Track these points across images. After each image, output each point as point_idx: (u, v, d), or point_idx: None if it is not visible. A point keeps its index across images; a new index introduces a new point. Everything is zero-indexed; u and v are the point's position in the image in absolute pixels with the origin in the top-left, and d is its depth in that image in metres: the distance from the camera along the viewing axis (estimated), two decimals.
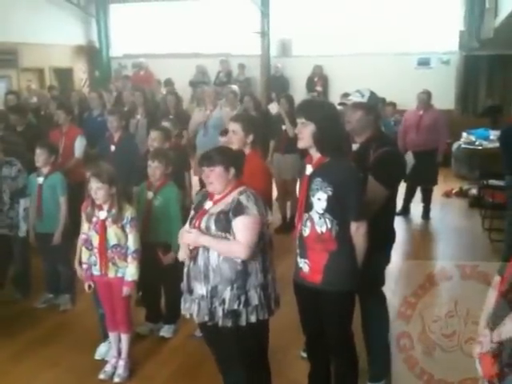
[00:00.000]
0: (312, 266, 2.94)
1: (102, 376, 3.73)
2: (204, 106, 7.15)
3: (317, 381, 3.29)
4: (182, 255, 2.95)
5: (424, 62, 11.51)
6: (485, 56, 10.75)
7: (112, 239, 3.57)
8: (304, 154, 3.16)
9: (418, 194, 7.56)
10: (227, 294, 2.82)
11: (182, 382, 3.75)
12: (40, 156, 4.54)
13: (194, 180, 5.93)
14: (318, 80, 11.62)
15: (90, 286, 3.70)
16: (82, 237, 3.70)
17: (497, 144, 8.43)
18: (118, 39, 13.71)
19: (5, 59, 10.86)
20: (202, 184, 5.49)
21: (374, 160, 3.17)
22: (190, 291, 2.93)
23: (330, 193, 2.82)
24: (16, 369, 3.89)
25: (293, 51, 12.50)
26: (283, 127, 6.65)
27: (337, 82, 11.31)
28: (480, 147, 9.26)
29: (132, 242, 3.60)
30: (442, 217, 7.66)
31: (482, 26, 8.89)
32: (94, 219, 3.58)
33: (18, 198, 4.66)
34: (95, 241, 3.58)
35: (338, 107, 4.25)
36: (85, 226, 3.67)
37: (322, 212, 2.85)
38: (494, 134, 9.29)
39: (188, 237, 2.88)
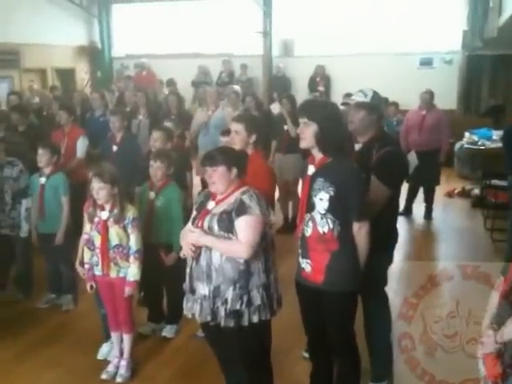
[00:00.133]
0: (314, 266, 2.93)
1: (104, 376, 3.73)
2: (206, 106, 7.15)
3: (319, 381, 3.29)
4: (185, 252, 2.94)
5: (426, 62, 11.49)
6: (488, 56, 10.73)
7: (114, 239, 3.57)
8: (306, 154, 3.15)
9: (421, 194, 7.55)
10: (230, 293, 2.81)
11: (184, 382, 3.74)
12: (42, 156, 4.54)
13: (196, 180, 5.93)
14: (320, 80, 11.62)
15: (92, 287, 3.70)
16: (84, 237, 3.70)
17: (499, 144, 8.40)
18: (120, 39, 13.73)
19: (7, 60, 10.88)
20: (204, 184, 5.50)
21: (377, 160, 3.16)
22: (193, 291, 2.93)
23: (332, 193, 2.81)
24: (18, 369, 3.89)
25: (295, 51, 12.50)
26: (285, 127, 6.65)
27: (339, 82, 11.30)
28: (483, 147, 9.24)
29: (134, 242, 3.60)
30: (445, 217, 7.66)
31: (485, 26, 8.86)
32: (96, 219, 3.58)
33: (19, 198, 4.66)
34: (97, 241, 3.58)
35: (341, 107, 4.24)
36: (87, 227, 3.67)
37: (323, 212, 2.85)
38: (496, 134, 9.27)
39: (191, 236, 2.87)
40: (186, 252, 2.91)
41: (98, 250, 3.59)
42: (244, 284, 2.81)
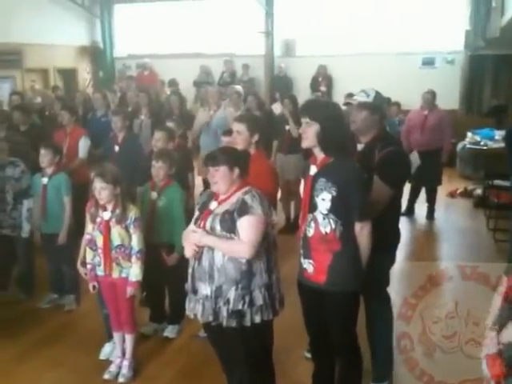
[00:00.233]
0: (316, 267, 2.93)
1: (106, 376, 3.74)
2: (208, 106, 7.15)
3: (321, 381, 3.29)
4: (188, 252, 2.95)
5: (429, 62, 11.48)
6: (490, 55, 10.72)
7: (116, 239, 3.57)
8: (307, 154, 3.15)
9: (423, 195, 7.54)
10: (232, 294, 2.81)
11: (185, 382, 3.74)
12: (45, 157, 4.55)
13: (198, 180, 5.93)
14: (322, 80, 11.61)
15: (94, 287, 3.70)
16: (86, 237, 3.71)
17: (502, 144, 8.39)
18: (122, 40, 13.73)
19: (9, 60, 10.88)
20: (206, 185, 5.50)
21: (379, 160, 3.16)
22: (195, 291, 2.93)
23: (334, 193, 2.81)
24: (20, 369, 3.89)
25: (297, 51, 12.50)
26: (286, 127, 6.65)
27: (341, 82, 11.30)
28: (485, 147, 9.23)
29: (136, 243, 3.60)
30: (447, 217, 7.65)
31: (487, 25, 8.85)
32: (98, 219, 3.58)
33: (21, 198, 4.66)
34: (99, 241, 3.58)
35: (343, 107, 4.25)
36: (89, 227, 3.67)
37: (326, 212, 2.85)
38: (499, 134, 9.26)
39: (193, 236, 2.87)
40: (189, 252, 2.92)
41: (100, 251, 3.59)
42: (246, 284, 2.81)
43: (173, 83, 10.62)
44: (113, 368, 3.78)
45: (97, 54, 13.58)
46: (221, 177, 2.85)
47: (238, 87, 8.42)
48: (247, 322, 2.83)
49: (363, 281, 2.95)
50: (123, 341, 3.80)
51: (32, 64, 11.44)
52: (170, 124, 5.41)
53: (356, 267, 2.92)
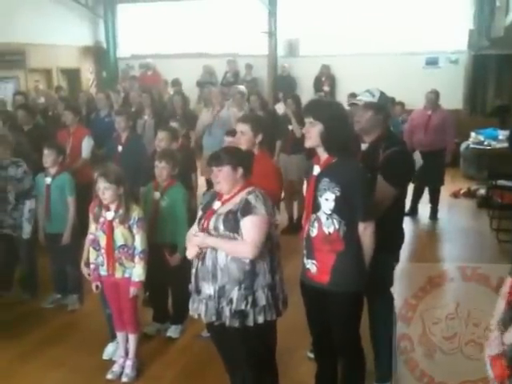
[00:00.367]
0: (319, 267, 2.92)
1: (109, 376, 3.74)
2: (211, 106, 7.15)
3: (324, 382, 3.28)
4: (190, 253, 2.95)
5: (432, 62, 11.46)
6: (494, 55, 10.69)
7: (119, 240, 3.57)
8: (310, 154, 3.15)
9: (426, 195, 7.53)
10: (235, 293, 2.81)
11: (188, 382, 3.75)
12: (48, 157, 4.55)
13: (201, 181, 5.93)
14: (325, 80, 11.60)
15: (97, 287, 3.71)
16: (90, 237, 3.71)
17: (506, 144, 8.38)
18: (125, 40, 13.74)
19: (12, 60, 10.90)
20: (209, 185, 5.50)
21: (384, 160, 3.16)
22: (198, 291, 2.93)
23: (337, 193, 2.81)
24: (23, 368, 3.90)
25: (300, 51, 12.48)
26: (290, 127, 6.64)
27: (344, 82, 11.29)
28: (489, 147, 9.22)
29: (139, 243, 3.60)
30: (450, 217, 7.63)
31: (492, 25, 8.82)
32: (102, 219, 3.59)
33: (23, 199, 4.66)
34: (102, 241, 3.59)
35: (347, 108, 4.24)
36: (92, 227, 3.68)
37: (329, 213, 2.84)
38: (502, 134, 9.25)
39: (195, 240, 2.88)
40: (191, 254, 2.92)
41: (103, 251, 3.60)
42: (249, 284, 2.81)
43: (176, 83, 10.62)
44: (116, 368, 3.78)
45: (100, 54, 13.59)
46: (224, 177, 2.85)
47: (241, 87, 8.42)
48: (250, 323, 2.82)
49: (366, 281, 2.95)
50: (126, 341, 3.80)
51: (35, 64, 11.46)
52: (173, 124, 5.41)
53: (359, 267, 2.91)
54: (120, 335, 3.81)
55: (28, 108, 6.46)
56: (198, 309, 2.95)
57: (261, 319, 2.83)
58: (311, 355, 3.63)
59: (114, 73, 13.43)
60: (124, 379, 3.71)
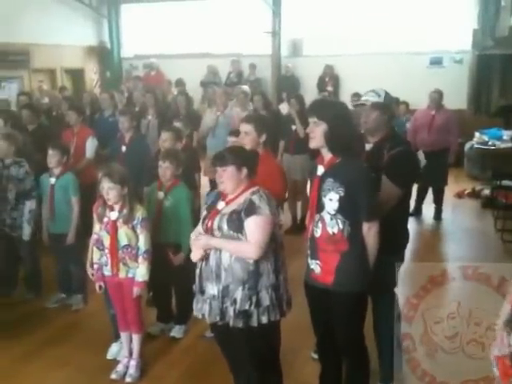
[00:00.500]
0: (323, 267, 2.92)
1: (113, 376, 3.74)
2: (215, 106, 7.15)
3: (328, 382, 3.28)
4: (195, 256, 2.95)
5: (436, 61, 11.43)
6: (498, 55, 10.65)
7: (123, 240, 3.57)
8: (314, 154, 3.14)
9: (430, 195, 7.51)
10: (238, 294, 2.81)
11: (192, 382, 3.74)
12: (53, 157, 4.56)
13: (204, 181, 5.93)
14: (328, 80, 11.60)
15: (100, 287, 3.71)
16: (94, 237, 3.71)
17: (510, 144, 8.37)
18: (129, 40, 13.76)
19: (16, 60, 10.94)
20: (213, 185, 5.50)
21: (388, 159, 3.16)
22: (202, 292, 2.93)
23: (341, 193, 2.80)
24: (27, 368, 3.91)
25: (304, 51, 12.48)
26: (293, 127, 6.64)
27: (348, 82, 11.28)
28: (493, 147, 9.19)
29: (143, 243, 3.60)
30: (454, 217, 7.61)
31: (496, 25, 8.81)
32: (105, 219, 3.59)
33: (23, 199, 4.67)
34: (106, 241, 3.59)
35: (351, 108, 4.24)
36: (96, 227, 3.68)
37: (333, 213, 2.84)
38: (507, 134, 9.22)
39: (199, 243, 2.88)
40: (196, 256, 2.92)
41: (107, 251, 3.60)
42: (253, 284, 2.81)
43: (180, 83, 10.63)
44: (120, 368, 3.78)
45: (104, 54, 13.62)
46: (228, 177, 2.85)
47: (245, 87, 8.41)
48: (254, 323, 2.82)
49: (371, 281, 2.94)
50: (130, 341, 3.80)
51: (39, 64, 11.49)
52: (177, 124, 5.41)
53: (363, 267, 2.91)
54: (124, 335, 3.82)
55: (32, 108, 6.47)
56: (201, 309, 2.95)
57: (265, 319, 2.83)
58: (315, 356, 3.63)
59: (118, 73, 13.46)
60: (128, 379, 3.71)
